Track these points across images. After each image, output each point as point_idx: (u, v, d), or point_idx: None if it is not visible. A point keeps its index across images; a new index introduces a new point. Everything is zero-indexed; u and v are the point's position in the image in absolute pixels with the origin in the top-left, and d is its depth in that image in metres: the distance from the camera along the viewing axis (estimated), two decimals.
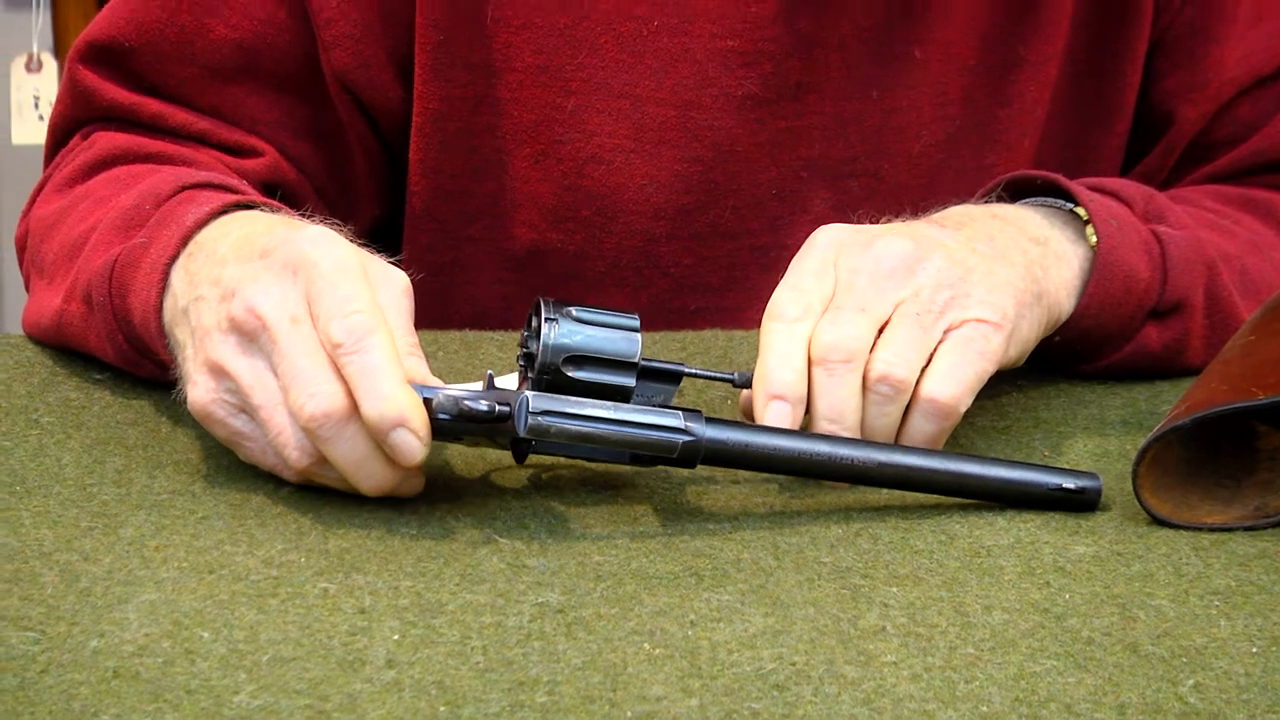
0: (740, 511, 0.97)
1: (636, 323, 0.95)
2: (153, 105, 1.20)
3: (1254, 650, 0.84)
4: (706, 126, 1.23)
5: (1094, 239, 1.10)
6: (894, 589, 0.88)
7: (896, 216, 1.09)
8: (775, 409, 0.97)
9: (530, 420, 0.91)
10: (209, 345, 0.94)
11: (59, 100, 1.24)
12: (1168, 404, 1.10)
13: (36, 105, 2.72)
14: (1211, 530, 0.96)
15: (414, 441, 0.89)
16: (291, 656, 0.80)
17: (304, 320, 0.91)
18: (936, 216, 1.09)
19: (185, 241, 1.00)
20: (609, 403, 0.92)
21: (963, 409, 0.99)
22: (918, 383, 0.98)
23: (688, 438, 0.93)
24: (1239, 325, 1.11)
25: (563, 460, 1.00)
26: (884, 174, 1.26)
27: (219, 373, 0.93)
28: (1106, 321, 1.12)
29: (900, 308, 1.00)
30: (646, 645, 0.82)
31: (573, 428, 0.92)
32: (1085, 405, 1.11)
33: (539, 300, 0.95)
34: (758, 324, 0.99)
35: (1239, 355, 1.01)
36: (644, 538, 0.93)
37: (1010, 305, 1.02)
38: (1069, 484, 0.97)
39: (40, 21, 2.74)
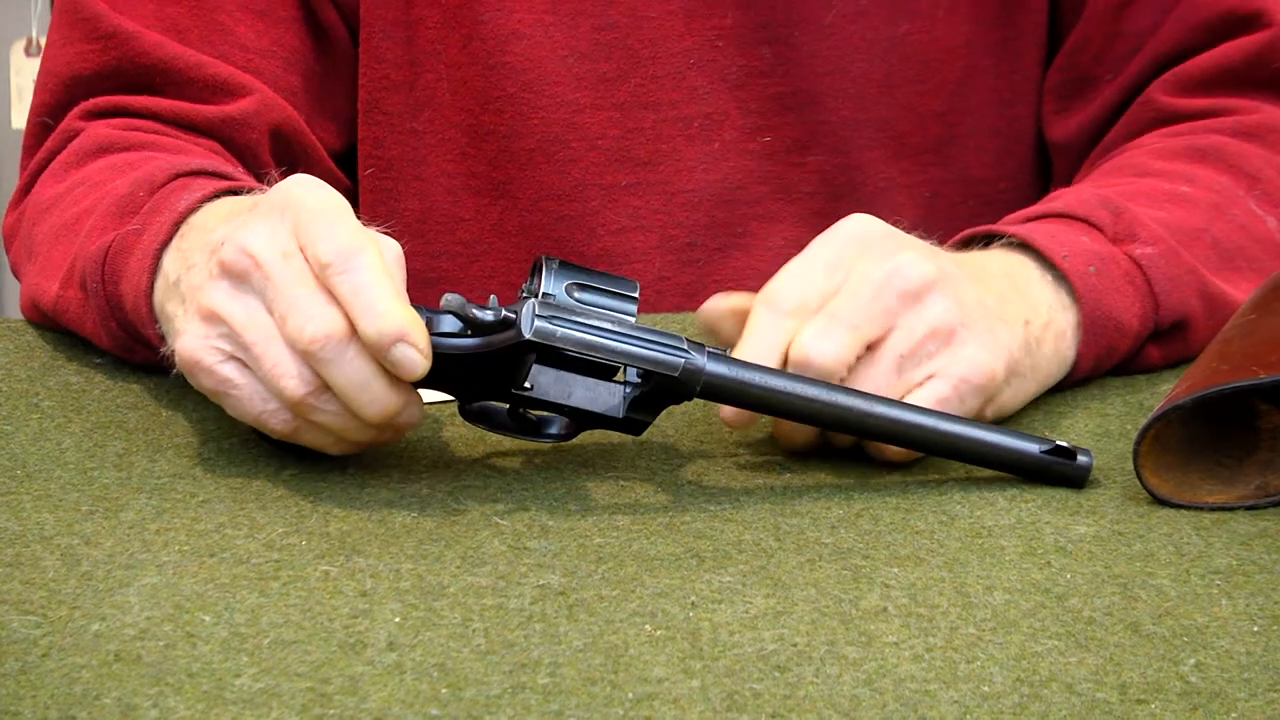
0: (741, 493, 0.97)
1: (636, 285, 0.96)
2: (153, 35, 1.20)
3: (1255, 629, 0.84)
4: None
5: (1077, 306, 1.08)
6: (895, 570, 0.88)
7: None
8: (730, 410, 0.98)
9: (536, 323, 0.91)
10: (200, 295, 0.94)
11: (49, 50, 1.24)
12: (1168, 384, 1.10)
13: None
14: (1213, 510, 0.96)
15: (415, 355, 0.89)
16: (293, 639, 0.80)
17: (295, 254, 0.91)
18: (961, 257, 1.07)
19: (177, 226, 1.00)
20: (614, 315, 0.93)
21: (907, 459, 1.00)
22: None
23: (691, 357, 0.93)
24: (1237, 309, 1.10)
25: (563, 444, 1.00)
26: (795, 41, 1.27)
27: (211, 319, 0.93)
28: (1105, 367, 1.11)
29: (890, 340, 0.98)
30: (648, 627, 0.82)
31: (578, 334, 0.91)
32: (1085, 386, 1.11)
33: (540, 258, 0.95)
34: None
35: (1239, 334, 1.01)
36: (645, 519, 0.93)
37: (1000, 368, 1.01)
38: (1062, 444, 0.97)
39: (39, 4, 2.73)
